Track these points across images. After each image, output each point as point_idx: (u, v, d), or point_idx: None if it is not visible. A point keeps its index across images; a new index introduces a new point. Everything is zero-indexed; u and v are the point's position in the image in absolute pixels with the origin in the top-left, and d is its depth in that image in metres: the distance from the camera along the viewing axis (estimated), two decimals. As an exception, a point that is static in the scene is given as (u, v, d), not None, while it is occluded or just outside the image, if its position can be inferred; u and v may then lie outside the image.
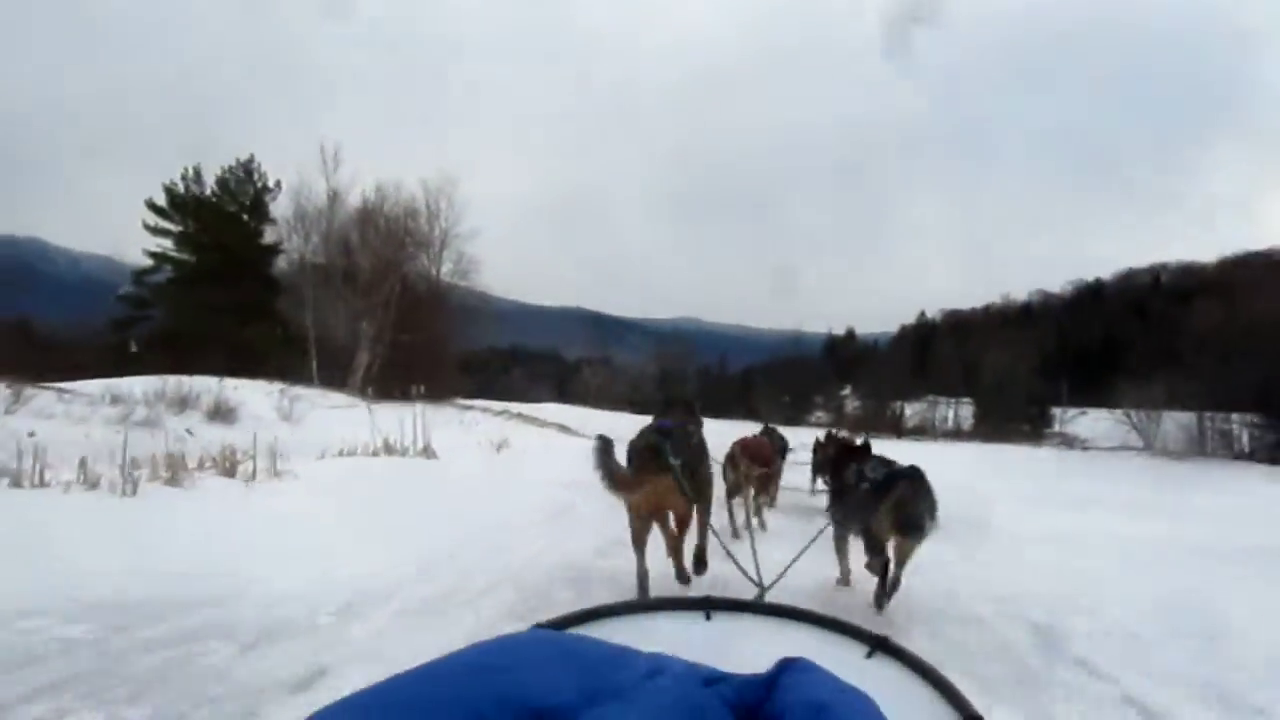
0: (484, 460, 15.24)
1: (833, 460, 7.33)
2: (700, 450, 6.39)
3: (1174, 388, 41.13)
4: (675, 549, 6.07)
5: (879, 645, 1.45)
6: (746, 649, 1.21)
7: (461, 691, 0.76)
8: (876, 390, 69.18)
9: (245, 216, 45.66)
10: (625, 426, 8.52)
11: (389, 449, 12.71)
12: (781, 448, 12.67)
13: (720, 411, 72.46)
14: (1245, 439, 38.90)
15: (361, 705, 0.73)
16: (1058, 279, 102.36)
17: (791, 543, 6.17)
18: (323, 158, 42.71)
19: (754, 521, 9.02)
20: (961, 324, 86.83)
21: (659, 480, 5.73)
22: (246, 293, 42.91)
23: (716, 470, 7.79)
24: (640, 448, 5.95)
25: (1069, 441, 51.46)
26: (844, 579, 6.74)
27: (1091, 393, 59.98)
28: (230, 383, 23.01)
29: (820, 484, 11.71)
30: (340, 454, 11.90)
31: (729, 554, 5.05)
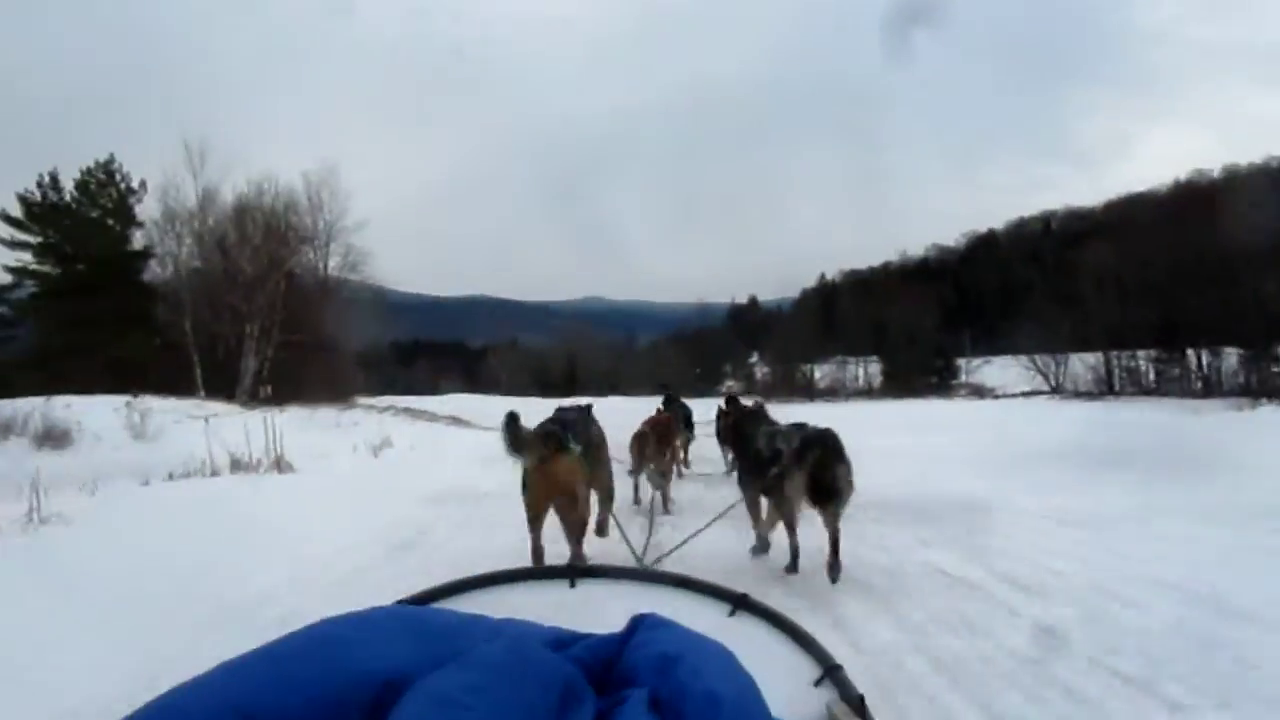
0: (352, 469, 13.54)
1: (733, 428, 7.29)
2: (599, 439, 6.81)
3: (1077, 330, 41.55)
4: (573, 532, 6.09)
5: (740, 603, 1.48)
6: (609, 613, 1.16)
7: (304, 667, 0.76)
8: (784, 355, 68.81)
9: (110, 221, 41.91)
10: (530, 411, 7.56)
11: (236, 465, 11.23)
12: (686, 417, 12.90)
13: (631, 388, 72.47)
14: (1151, 375, 39.33)
15: (207, 685, 0.73)
16: (952, 232, 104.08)
17: (702, 517, 6.55)
18: (188, 154, 39.60)
19: (656, 496, 9.20)
20: (862, 283, 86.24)
21: (558, 460, 5.85)
22: (119, 303, 39.54)
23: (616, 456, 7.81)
24: (541, 434, 6.01)
25: (979, 391, 51.63)
26: (761, 545, 6.51)
27: (993, 341, 61.08)
28: (62, 400, 19.43)
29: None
30: (170, 477, 10.19)
31: (619, 526, 5.16)
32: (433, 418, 31.50)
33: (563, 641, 0.97)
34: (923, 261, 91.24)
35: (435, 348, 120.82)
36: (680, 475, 11.61)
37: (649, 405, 12.80)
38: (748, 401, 8.45)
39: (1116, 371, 39.38)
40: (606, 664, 0.93)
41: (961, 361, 62.06)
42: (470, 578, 1.59)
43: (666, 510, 9.24)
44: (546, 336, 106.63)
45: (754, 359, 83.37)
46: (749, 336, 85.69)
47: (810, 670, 1.29)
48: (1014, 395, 43.55)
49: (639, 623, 1.01)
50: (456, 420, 29.38)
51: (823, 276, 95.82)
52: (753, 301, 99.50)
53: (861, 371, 66.71)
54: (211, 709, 0.68)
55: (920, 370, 58.99)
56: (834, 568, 5.76)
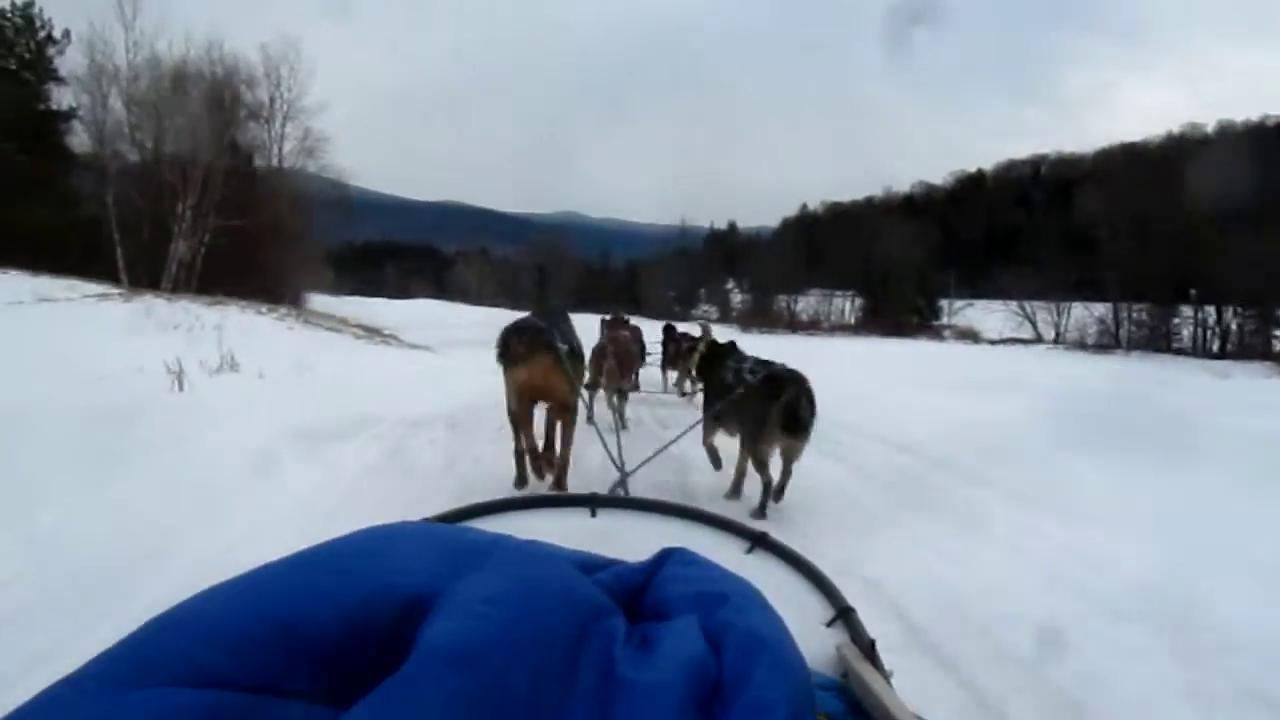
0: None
1: (704, 359, 7.36)
2: (579, 356, 6.37)
3: (1080, 278, 39.44)
4: (550, 440, 6.21)
5: (759, 541, 1.48)
6: (630, 543, 1.16)
7: (332, 578, 0.75)
8: (763, 284, 66.07)
9: (26, 75, 35.75)
10: (497, 322, 7.65)
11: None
12: (639, 344, 12.62)
13: (605, 306, 70.88)
14: (1183, 332, 37.00)
15: (234, 592, 0.72)
16: (936, 171, 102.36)
17: (653, 436, 7.34)
18: (120, 2, 33.83)
19: (613, 415, 8.88)
20: (844, 216, 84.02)
21: (543, 359, 5.75)
22: (32, 168, 33.89)
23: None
24: (525, 329, 5.92)
25: (970, 335, 49.28)
26: (734, 491, 6.49)
27: (977, 284, 58.83)
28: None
29: (676, 379, 12.58)
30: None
31: (599, 435, 4.52)
32: (340, 327, 24.22)
33: (588, 566, 0.95)
34: (908, 198, 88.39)
35: (406, 251, 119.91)
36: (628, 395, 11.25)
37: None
38: (686, 330, 8.31)
39: (1125, 324, 36.82)
40: (633, 592, 0.92)
41: (944, 302, 59.70)
42: (493, 501, 1.55)
43: (623, 427, 8.74)
44: (520, 248, 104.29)
45: (730, 286, 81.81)
46: (727, 263, 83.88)
47: (823, 611, 1.29)
48: (1006, 341, 41.50)
49: (667, 555, 1.00)
50: (375, 332, 24.22)
51: (804, 206, 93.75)
52: (732, 227, 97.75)
53: (848, 305, 64.16)
54: (240, 617, 0.68)
55: (903, 308, 56.52)
56: (775, 497, 6.01)
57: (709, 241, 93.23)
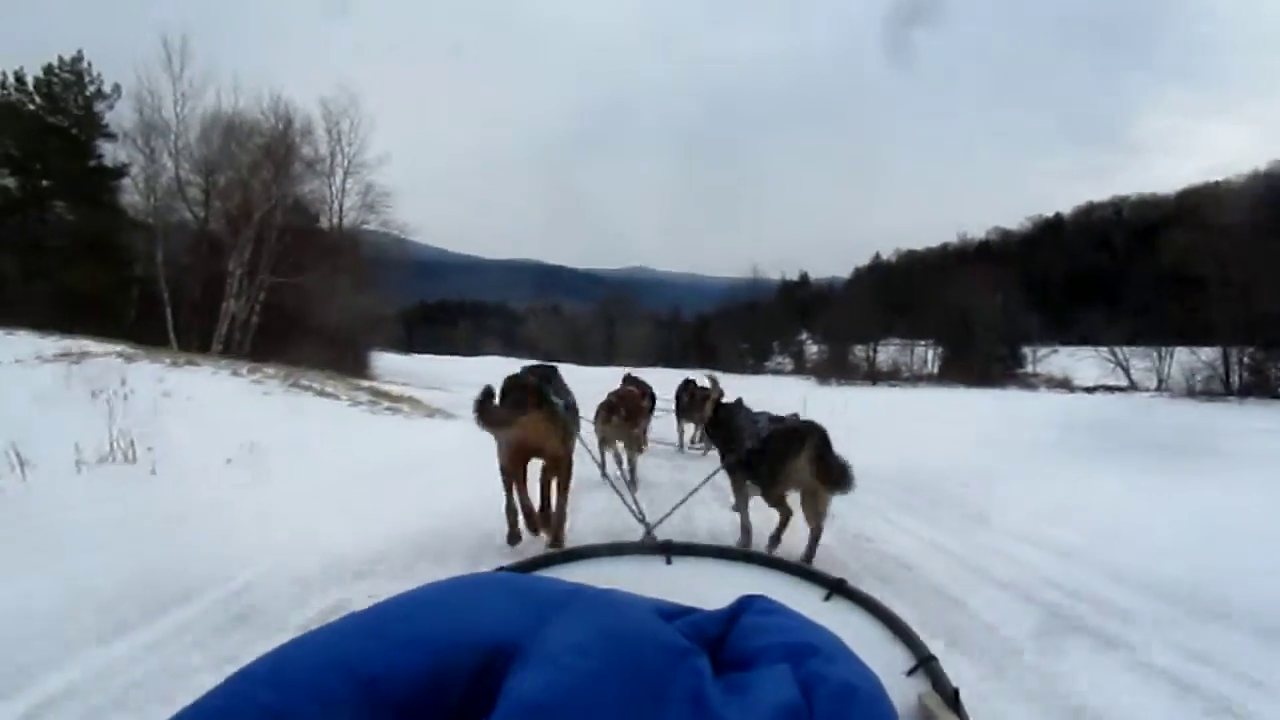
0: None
1: (712, 419, 6.97)
2: (572, 404, 6.13)
3: (1180, 322, 37.18)
4: (546, 497, 6.04)
5: (836, 588, 1.45)
6: (705, 590, 1.18)
7: (413, 629, 0.76)
8: (837, 334, 64.03)
9: (74, 130, 34.67)
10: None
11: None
12: (651, 399, 12.69)
13: (675, 361, 70.09)
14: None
15: (316, 643, 0.74)
16: (1012, 216, 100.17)
17: (667, 490, 7.11)
18: (166, 52, 32.91)
19: (624, 470, 9.18)
20: (919, 263, 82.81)
21: (537, 415, 5.58)
22: (82, 227, 33.60)
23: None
24: (518, 384, 5.69)
25: (1062, 383, 46.69)
26: (745, 525, 6.26)
27: (1061, 329, 56.26)
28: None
29: (691, 433, 12.81)
30: None
31: (617, 491, 4.42)
32: (390, 398, 19.55)
33: (666, 613, 0.95)
34: (984, 244, 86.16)
35: (480, 308, 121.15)
36: (640, 450, 11.14)
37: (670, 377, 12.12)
38: (708, 382, 7.83)
39: (1237, 369, 34.16)
40: (712, 640, 0.91)
41: (1028, 349, 56.86)
42: (569, 549, 1.54)
43: (634, 481, 9.01)
44: (591, 304, 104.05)
45: (804, 336, 79.65)
46: (799, 313, 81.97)
47: (904, 660, 1.24)
48: (1102, 389, 39.11)
49: (747, 604, 1.00)
50: (393, 400, 19.18)
51: (877, 255, 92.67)
52: (804, 278, 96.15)
53: (929, 354, 61.73)
54: (322, 666, 0.69)
55: (986, 356, 54.05)
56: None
57: (781, 292, 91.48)
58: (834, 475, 5.54)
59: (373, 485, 8.49)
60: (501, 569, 1.23)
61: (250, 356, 26.96)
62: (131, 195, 34.97)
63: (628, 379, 12.40)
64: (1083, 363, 48.58)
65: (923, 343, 61.56)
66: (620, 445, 9.61)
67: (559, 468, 5.94)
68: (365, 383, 22.13)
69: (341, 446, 10.93)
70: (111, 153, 35.21)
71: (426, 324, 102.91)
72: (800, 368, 70.15)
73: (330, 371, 21.71)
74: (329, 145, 39.85)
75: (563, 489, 6.03)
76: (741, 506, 6.29)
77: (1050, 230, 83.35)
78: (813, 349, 75.49)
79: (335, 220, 41.15)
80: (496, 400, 5.50)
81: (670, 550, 1.58)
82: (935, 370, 58.45)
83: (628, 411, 9.52)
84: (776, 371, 73.11)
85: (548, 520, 6.01)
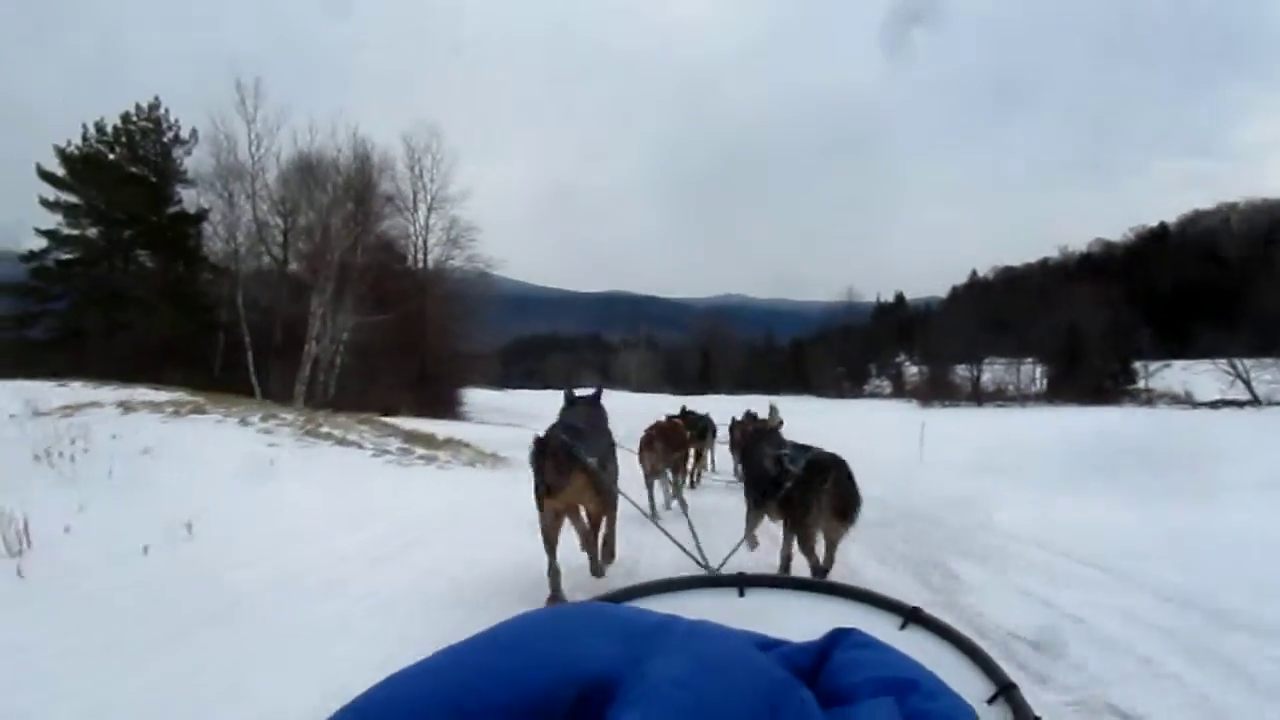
0: None
1: (742, 444, 7.61)
2: (609, 446, 6.15)
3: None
4: (590, 543, 5.85)
5: (912, 616, 1.42)
6: (781, 622, 1.15)
7: (514, 661, 0.77)
8: (937, 355, 62.16)
9: (153, 178, 34.85)
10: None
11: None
12: (703, 429, 12.87)
13: (770, 387, 69.27)
14: None
15: (421, 676, 0.75)
16: (1112, 228, 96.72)
17: (722, 524, 6.59)
18: (240, 94, 32.46)
19: (674, 502, 9.28)
20: (1018, 279, 79.99)
21: (574, 480, 5.41)
22: (163, 275, 33.76)
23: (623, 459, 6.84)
24: (553, 449, 5.40)
25: (1183, 399, 44.57)
26: (753, 544, 6.28)
27: (1172, 343, 53.82)
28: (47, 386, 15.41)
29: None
30: None
31: (667, 534, 4.42)
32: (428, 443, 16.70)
33: (761, 645, 0.93)
34: (1085, 257, 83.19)
35: (572, 342, 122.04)
36: (693, 485, 11.91)
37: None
38: (761, 416, 8.19)
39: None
40: (805, 673, 0.89)
41: (1138, 365, 54.16)
42: (650, 583, 1.52)
43: (684, 508, 8.38)
44: (683, 334, 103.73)
45: (901, 358, 78.46)
46: (896, 335, 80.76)
47: (984, 688, 1.21)
48: (1228, 403, 37.05)
49: (841, 637, 0.98)
50: (435, 445, 16.56)
51: (974, 273, 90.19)
52: (900, 299, 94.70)
53: (1036, 372, 59.49)
54: (432, 705, 0.69)
55: (1096, 373, 51.87)
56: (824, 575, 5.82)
57: (876, 315, 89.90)
58: (846, 508, 5.70)
59: (319, 597, 5.57)
60: (589, 600, 1.22)
61: (333, 401, 26.94)
62: (212, 242, 35.20)
63: (683, 411, 12.92)
64: (1199, 377, 46.32)
65: (1028, 361, 59.13)
66: (669, 475, 9.77)
67: (599, 520, 5.87)
68: (410, 425, 20.30)
69: (322, 517, 8.53)
70: (191, 199, 35.58)
71: (519, 359, 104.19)
72: (899, 390, 68.63)
73: (369, 415, 20.45)
74: (411, 182, 40.32)
75: (609, 525, 6.02)
76: (749, 531, 6.38)
77: (1155, 241, 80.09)
78: (911, 371, 74.17)
79: (420, 257, 41.35)
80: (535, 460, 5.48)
81: (744, 582, 1.55)
82: (1043, 389, 56.23)
83: (666, 444, 9.62)
84: (874, 395, 71.79)
85: (593, 549, 5.92)
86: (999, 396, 54.20)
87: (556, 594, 5.66)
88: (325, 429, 14.94)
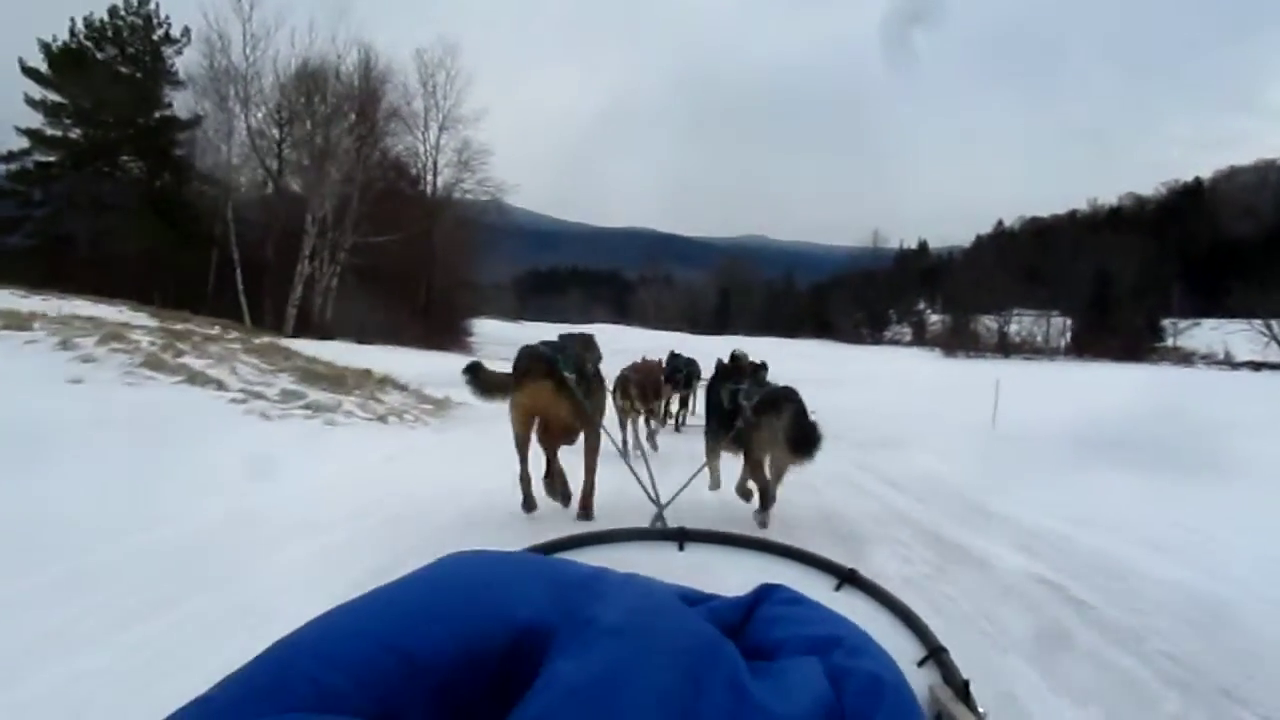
0: None
1: (709, 385, 7.40)
2: (595, 376, 6.28)
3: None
4: (553, 473, 6.06)
5: (848, 578, 1.43)
6: (720, 577, 1.19)
7: (451, 605, 0.75)
8: (962, 304, 60.66)
9: (140, 76, 31.79)
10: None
11: None
12: (689, 375, 12.62)
13: (789, 330, 68.25)
14: None
15: (357, 617, 0.73)
16: (1143, 183, 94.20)
17: (694, 466, 5.87)
18: None
19: (645, 444, 9.19)
20: (1046, 231, 77.13)
21: (544, 384, 5.66)
22: (147, 180, 31.25)
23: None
24: (532, 355, 5.82)
25: (1221, 360, 43.36)
26: (715, 483, 6.61)
27: (1201, 300, 52.20)
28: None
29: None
30: None
31: (633, 472, 4.32)
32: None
33: (688, 599, 0.93)
34: (1114, 210, 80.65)
35: (592, 276, 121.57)
36: (679, 428, 11.87)
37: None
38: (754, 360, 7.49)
39: None
40: (731, 628, 0.90)
41: (1167, 322, 52.70)
42: (586, 534, 1.51)
43: (653, 447, 9.29)
44: (704, 272, 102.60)
45: (922, 306, 77.37)
46: (918, 283, 79.33)
47: (915, 651, 1.23)
48: (1269, 366, 35.71)
49: (767, 593, 1.00)
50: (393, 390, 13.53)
51: (1000, 223, 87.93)
52: (923, 246, 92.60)
53: (1064, 324, 57.46)
54: (368, 643, 0.68)
55: (1121, 328, 50.30)
56: (762, 512, 6.12)
57: (898, 261, 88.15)
58: (802, 441, 5.75)
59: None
60: (523, 550, 1.20)
61: (328, 327, 25.63)
62: (203, 151, 32.66)
63: (671, 356, 12.61)
64: (1232, 337, 45.06)
65: (1054, 314, 57.42)
66: (642, 419, 10.00)
67: (569, 435, 6.02)
68: (324, 353, 15.97)
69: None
70: (182, 103, 32.97)
71: (537, 292, 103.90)
72: (919, 338, 67.41)
73: (271, 338, 17.24)
74: (423, 99, 37.88)
75: (589, 459, 6.13)
76: (710, 464, 6.52)
77: (1188, 196, 77.69)
78: (933, 319, 73.12)
79: (430, 180, 39.14)
80: (498, 370, 6.01)
81: (684, 537, 1.56)
82: (1066, 344, 54.76)
83: (641, 386, 9.81)
84: (894, 342, 70.60)
85: (555, 482, 6.07)
86: (1027, 349, 52.76)
87: (529, 498, 5.97)
88: (184, 357, 11.02)
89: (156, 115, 32.33)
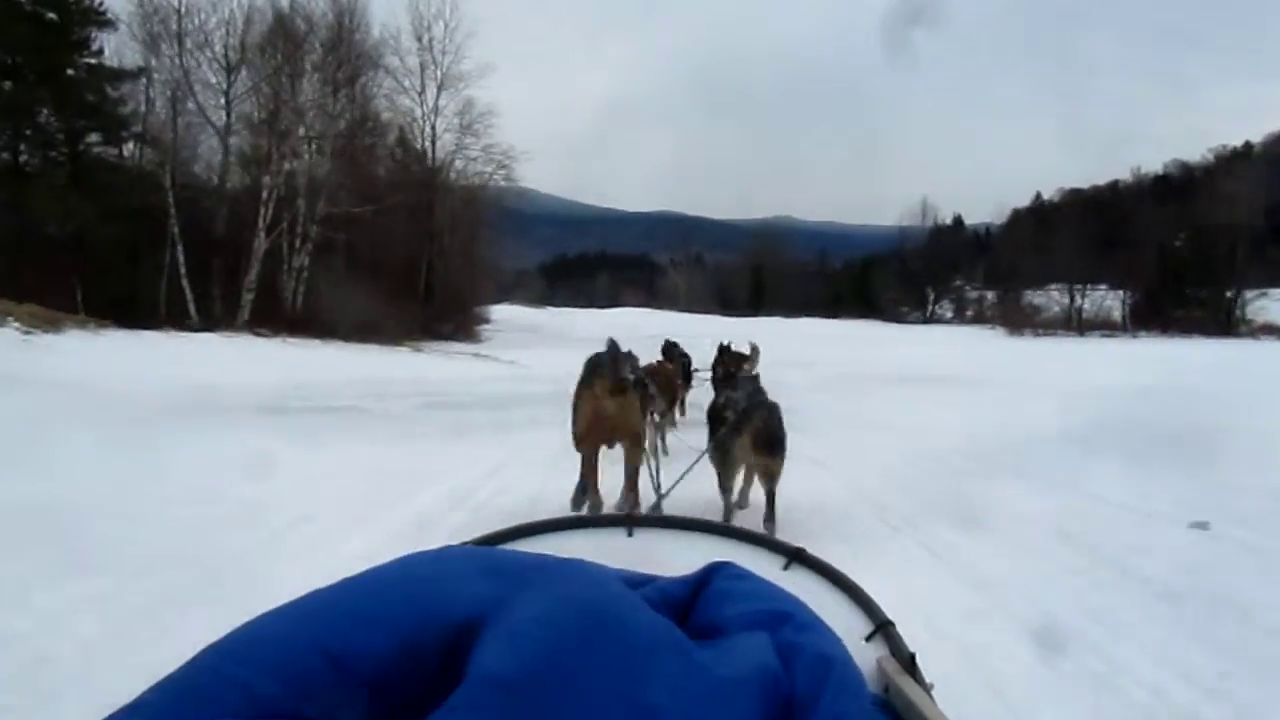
0: None
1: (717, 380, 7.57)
2: (641, 384, 6.27)
3: None
4: (634, 474, 5.77)
5: (796, 557, 1.48)
6: (668, 561, 1.22)
7: (387, 606, 0.76)
8: (1012, 278, 57.21)
9: (54, 15, 24.56)
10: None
11: None
12: (686, 371, 11.77)
13: (830, 309, 64.95)
14: None
15: (290, 619, 0.73)
16: (1187, 149, 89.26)
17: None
18: None
19: (659, 445, 8.92)
20: (1088, 203, 72.20)
21: (627, 398, 5.58)
22: (67, 141, 25.02)
23: None
24: (614, 354, 5.52)
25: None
26: (743, 502, 6.14)
27: (1260, 270, 48.46)
28: None
29: None
30: None
31: (649, 467, 4.85)
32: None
33: (631, 582, 0.95)
34: (1161, 178, 75.52)
35: (621, 261, 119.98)
36: (673, 425, 10.76)
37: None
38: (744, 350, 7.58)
39: None
40: (679, 606, 0.94)
41: (1229, 293, 48.36)
42: (531, 523, 1.54)
43: (665, 452, 8.73)
44: (733, 254, 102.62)
45: (959, 282, 74.02)
46: (956, 259, 75.72)
47: (863, 626, 1.27)
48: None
49: (715, 570, 1.02)
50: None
51: (1038, 195, 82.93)
52: (958, 222, 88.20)
53: (1119, 302, 52.36)
54: (298, 647, 0.68)
55: (1177, 302, 46.90)
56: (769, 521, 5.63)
57: (933, 238, 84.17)
58: (768, 441, 5.53)
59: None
60: (466, 543, 1.24)
61: (300, 315, 21.82)
62: (138, 105, 26.64)
63: (666, 347, 12.04)
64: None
65: (1113, 290, 52.96)
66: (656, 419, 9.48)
67: (636, 443, 5.67)
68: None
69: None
70: (113, 47, 26.58)
71: (565, 277, 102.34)
72: (961, 315, 63.73)
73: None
74: (418, 54, 33.11)
75: (639, 459, 5.73)
76: (726, 485, 6.00)
77: (1239, 161, 72.81)
78: (972, 295, 70.35)
79: (428, 146, 34.09)
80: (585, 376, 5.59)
81: (631, 522, 1.58)
82: (1125, 319, 50.27)
83: (660, 388, 9.18)
84: (938, 320, 66.90)
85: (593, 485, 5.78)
86: (1105, 326, 48.48)
87: (596, 500, 5.59)
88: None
89: (81, 62, 25.64)
